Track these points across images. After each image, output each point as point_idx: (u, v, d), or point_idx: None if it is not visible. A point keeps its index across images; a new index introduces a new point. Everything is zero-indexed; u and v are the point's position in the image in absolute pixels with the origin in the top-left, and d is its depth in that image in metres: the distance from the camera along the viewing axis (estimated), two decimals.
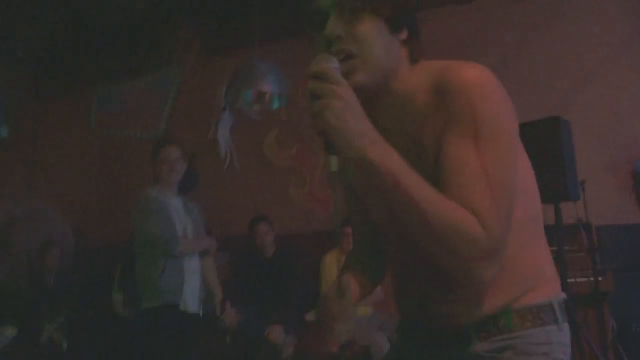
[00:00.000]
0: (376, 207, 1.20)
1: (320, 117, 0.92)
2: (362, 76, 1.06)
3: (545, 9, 4.53)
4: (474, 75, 1.03)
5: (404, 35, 1.12)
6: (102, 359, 3.87)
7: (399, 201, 0.96)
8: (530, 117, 2.89)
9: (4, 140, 5.04)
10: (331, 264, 4.25)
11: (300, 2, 1.15)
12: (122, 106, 5.62)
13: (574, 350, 1.62)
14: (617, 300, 3.63)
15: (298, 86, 4.97)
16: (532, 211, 1.12)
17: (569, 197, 2.89)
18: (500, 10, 4.68)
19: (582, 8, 4.46)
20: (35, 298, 4.31)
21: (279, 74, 4.20)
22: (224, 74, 4.84)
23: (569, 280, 3.13)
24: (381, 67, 1.09)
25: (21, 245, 4.93)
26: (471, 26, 4.69)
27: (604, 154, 4.20)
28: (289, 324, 3.92)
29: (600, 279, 3.45)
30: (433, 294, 1.14)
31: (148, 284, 3.10)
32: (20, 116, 5.72)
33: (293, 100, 5.07)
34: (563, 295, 1.15)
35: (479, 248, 0.96)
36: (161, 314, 3.04)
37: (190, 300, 3.11)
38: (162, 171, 3.17)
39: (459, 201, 0.96)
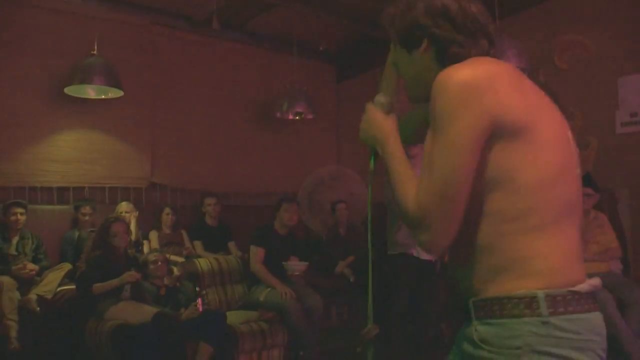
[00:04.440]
0: None
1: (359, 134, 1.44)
2: (407, 92, 1.44)
3: None
4: (447, 75, 1.19)
5: (422, 48, 1.32)
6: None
7: (388, 174, 1.31)
8: None
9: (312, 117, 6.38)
10: None
11: None
12: None
13: None
14: None
15: (553, 50, 5.19)
16: (517, 206, 1.17)
17: None
18: None
19: None
20: (330, 242, 5.63)
21: (519, 48, 4.49)
22: None
23: None
24: (413, 81, 1.40)
25: (326, 201, 6.30)
26: None
27: None
28: None
29: None
30: (455, 267, 1.32)
31: (390, 238, 4.06)
32: (325, 96, 7.11)
33: (551, 63, 5.28)
34: (564, 289, 1.16)
35: (409, 217, 1.21)
36: (399, 258, 3.98)
37: (422, 252, 3.90)
38: None
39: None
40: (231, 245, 5.65)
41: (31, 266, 4.35)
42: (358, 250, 5.48)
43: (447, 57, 1.28)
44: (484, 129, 1.15)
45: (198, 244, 5.51)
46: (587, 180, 4.51)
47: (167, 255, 4.54)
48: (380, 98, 1.45)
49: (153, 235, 5.30)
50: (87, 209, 4.94)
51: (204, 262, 4.76)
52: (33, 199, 4.95)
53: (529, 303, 1.14)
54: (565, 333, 1.14)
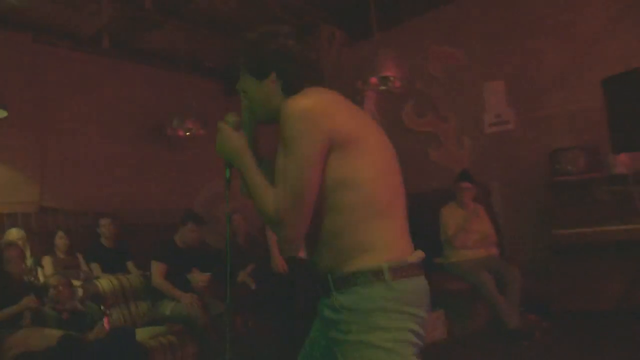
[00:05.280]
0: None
1: (216, 148, 1.64)
2: (254, 113, 1.70)
3: None
4: (289, 105, 1.47)
5: (270, 79, 1.61)
6: (276, 294, 5.06)
7: (245, 184, 1.56)
8: None
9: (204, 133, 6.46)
10: (448, 215, 4.91)
11: None
12: None
13: None
14: None
15: (426, 60, 5.66)
16: (359, 199, 1.46)
17: None
18: None
19: None
20: (230, 253, 5.73)
21: (396, 58, 4.89)
22: (358, 59, 5.68)
23: None
24: (260, 105, 1.66)
25: (222, 213, 6.39)
26: None
27: None
28: None
29: None
30: (313, 253, 1.60)
31: None
32: (215, 111, 7.18)
33: (425, 72, 5.76)
34: (401, 259, 1.47)
35: (269, 218, 1.49)
36: (289, 263, 4.42)
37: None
38: None
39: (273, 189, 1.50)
40: (130, 264, 5.57)
41: None
42: (257, 258, 5.62)
43: (290, 87, 1.59)
44: (323, 144, 1.44)
45: (95, 266, 5.38)
46: (465, 176, 4.99)
47: (67, 280, 4.42)
48: (231, 117, 1.68)
49: (47, 260, 5.11)
50: None
51: (106, 282, 4.68)
52: None
53: (376, 273, 1.44)
54: (405, 293, 1.45)
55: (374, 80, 5.12)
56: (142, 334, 4.19)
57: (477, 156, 5.53)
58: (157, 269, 4.67)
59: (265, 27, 1.68)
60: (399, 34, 5.80)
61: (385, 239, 1.49)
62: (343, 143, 1.45)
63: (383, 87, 5.22)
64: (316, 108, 1.46)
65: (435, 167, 5.78)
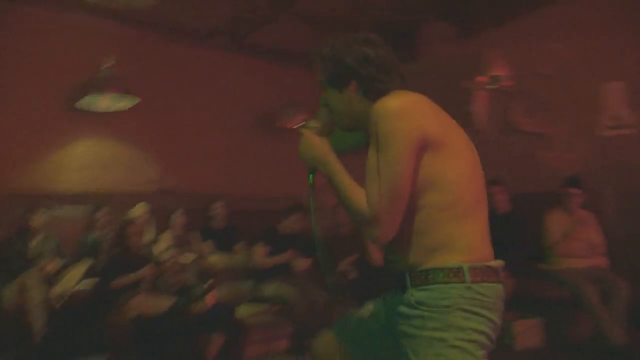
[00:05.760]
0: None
1: (299, 155, 1.70)
2: (337, 123, 1.74)
3: None
4: (383, 105, 1.50)
5: (351, 87, 1.65)
6: (372, 286, 5.17)
7: (333, 188, 1.59)
8: None
9: None
10: (553, 221, 4.75)
11: None
12: None
13: None
14: None
15: (537, 59, 5.50)
16: (446, 199, 1.49)
17: None
18: None
19: None
20: (332, 242, 5.90)
21: (504, 57, 4.81)
22: (466, 57, 5.62)
23: None
24: (345, 114, 1.70)
25: (327, 204, 6.57)
26: None
27: None
28: (518, 272, 4.60)
29: None
30: (392, 251, 1.61)
31: None
32: None
33: (536, 71, 5.58)
34: (482, 263, 1.49)
35: (363, 217, 1.50)
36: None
37: None
38: None
39: (365, 189, 1.53)
40: (238, 246, 5.91)
41: (52, 265, 4.59)
42: (360, 249, 5.76)
43: (372, 92, 1.62)
44: (417, 142, 1.46)
45: (207, 244, 5.77)
46: (574, 181, 4.79)
47: (180, 255, 4.82)
48: (313, 123, 1.72)
49: (164, 236, 5.56)
50: (103, 213, 5.22)
51: (215, 260, 5.06)
52: (52, 204, 5.22)
53: (457, 272, 1.47)
54: (483, 296, 1.47)
55: (483, 78, 5.07)
56: (243, 310, 4.49)
57: (589, 160, 5.28)
58: (259, 251, 4.98)
59: (338, 39, 1.71)
60: (509, 31, 5.64)
61: (467, 241, 1.51)
62: (433, 143, 1.48)
63: (493, 86, 5.15)
64: (410, 107, 1.50)
65: (543, 169, 5.58)
